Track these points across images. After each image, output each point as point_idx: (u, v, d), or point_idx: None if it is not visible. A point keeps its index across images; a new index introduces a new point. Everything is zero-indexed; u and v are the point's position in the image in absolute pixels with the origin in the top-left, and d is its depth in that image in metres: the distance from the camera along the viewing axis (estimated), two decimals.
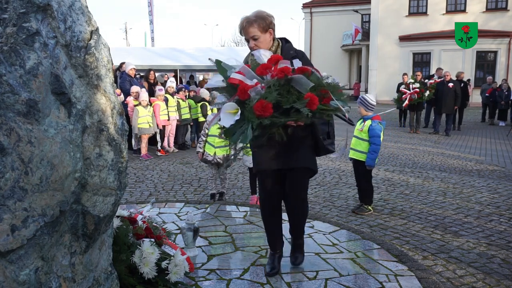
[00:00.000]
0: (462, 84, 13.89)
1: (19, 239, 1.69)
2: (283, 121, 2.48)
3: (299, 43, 45.84)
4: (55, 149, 1.86)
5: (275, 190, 3.25)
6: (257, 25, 2.95)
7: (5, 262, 1.67)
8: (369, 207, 5.21)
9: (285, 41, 3.19)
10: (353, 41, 32.30)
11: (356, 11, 32.58)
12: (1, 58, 1.68)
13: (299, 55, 3.08)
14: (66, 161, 1.92)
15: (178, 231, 4.06)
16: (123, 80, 9.68)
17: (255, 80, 2.55)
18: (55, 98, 1.90)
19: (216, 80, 2.76)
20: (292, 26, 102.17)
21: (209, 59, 3.16)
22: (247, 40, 3.07)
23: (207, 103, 10.32)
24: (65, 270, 1.99)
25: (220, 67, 2.82)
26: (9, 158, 1.66)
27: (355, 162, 5.18)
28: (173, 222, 4.52)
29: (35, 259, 1.79)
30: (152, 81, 11.02)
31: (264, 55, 2.77)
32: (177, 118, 9.82)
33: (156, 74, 11.56)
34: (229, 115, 2.39)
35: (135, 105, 8.96)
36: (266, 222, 3.41)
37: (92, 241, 2.15)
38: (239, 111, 2.46)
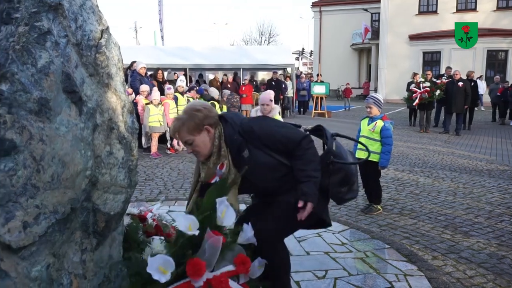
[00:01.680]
0: (472, 83, 13.75)
1: (31, 235, 1.71)
2: None
3: (308, 42, 45.69)
4: (66, 147, 1.87)
5: None
6: (186, 129, 2.45)
7: (17, 258, 1.69)
8: (378, 207, 5.19)
9: (225, 123, 2.53)
10: (362, 40, 32.18)
11: (366, 9, 32.42)
12: (13, 57, 1.70)
13: (247, 135, 2.47)
14: (77, 159, 1.93)
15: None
16: (134, 78, 9.73)
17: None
18: (66, 97, 1.92)
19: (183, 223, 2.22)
20: (301, 25, 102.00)
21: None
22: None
23: (216, 103, 10.33)
24: (76, 267, 2.01)
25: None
26: (21, 156, 1.68)
27: (365, 162, 5.13)
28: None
29: (46, 255, 1.81)
30: (160, 80, 11.06)
31: (247, 238, 2.38)
32: None
33: (164, 72, 11.60)
34: (159, 271, 2.16)
35: (146, 104, 9.00)
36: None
37: (102, 238, 2.17)
38: (167, 278, 2.10)
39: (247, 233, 2.39)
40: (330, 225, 2.78)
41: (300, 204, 2.41)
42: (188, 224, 2.20)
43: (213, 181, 2.53)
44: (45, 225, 1.77)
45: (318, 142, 2.64)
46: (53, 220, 1.81)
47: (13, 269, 1.66)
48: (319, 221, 2.69)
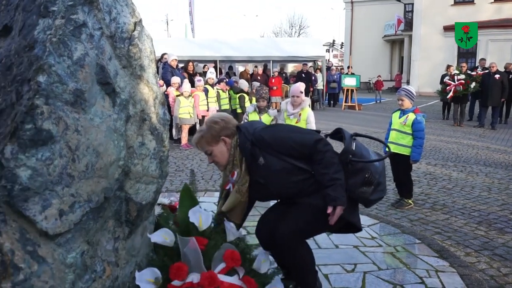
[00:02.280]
0: (510, 76, 13.30)
1: (66, 223, 1.77)
2: None
3: (339, 34, 45.11)
4: (100, 137, 1.92)
5: None
6: (204, 141, 2.59)
7: (53, 245, 1.74)
8: (409, 201, 5.10)
9: (239, 133, 2.59)
10: (395, 31, 31.52)
11: (399, 0, 31.72)
12: (51, 49, 1.74)
13: (259, 144, 2.51)
14: (111, 149, 1.98)
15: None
16: (165, 70, 9.85)
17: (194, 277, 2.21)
18: (100, 88, 1.96)
19: (161, 236, 2.33)
20: (332, 17, 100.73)
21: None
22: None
23: (245, 95, 10.34)
24: (109, 254, 2.06)
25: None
26: (57, 146, 1.73)
27: (396, 156, 5.06)
28: (212, 211, 4.58)
29: (81, 243, 1.86)
30: (191, 72, 11.15)
31: (232, 233, 2.48)
32: (217, 108, 9.90)
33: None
34: (147, 282, 2.22)
35: (177, 96, 9.11)
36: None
37: (134, 227, 2.22)
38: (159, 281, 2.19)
39: (231, 230, 2.47)
40: (360, 230, 2.72)
41: (329, 209, 2.39)
42: (199, 219, 2.42)
43: (227, 187, 2.64)
44: (80, 213, 1.82)
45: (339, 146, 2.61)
46: (88, 209, 1.86)
47: (50, 255, 1.72)
48: (348, 224, 2.64)
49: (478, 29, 25.82)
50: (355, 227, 2.69)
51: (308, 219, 2.51)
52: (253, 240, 3.83)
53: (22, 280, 1.61)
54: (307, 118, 5.15)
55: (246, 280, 2.33)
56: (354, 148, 2.56)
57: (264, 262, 2.48)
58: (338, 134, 2.77)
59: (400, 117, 4.99)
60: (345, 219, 2.54)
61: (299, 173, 2.49)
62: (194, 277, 2.20)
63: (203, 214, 2.45)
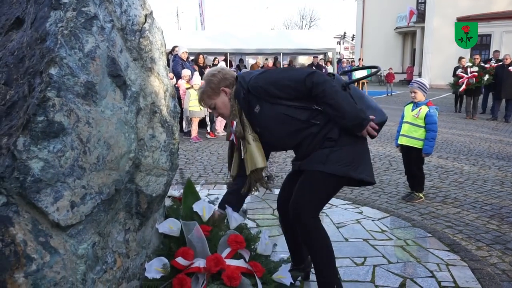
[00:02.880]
0: None
1: (78, 214, 1.78)
2: None
3: (350, 26, 44.77)
4: (111, 129, 1.93)
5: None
6: (206, 96, 2.61)
7: (65, 236, 1.76)
8: (420, 195, 5.07)
9: (237, 83, 2.59)
10: (407, 23, 31.19)
11: None
12: (62, 42, 1.75)
13: (255, 91, 2.48)
14: (121, 141, 1.99)
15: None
16: (176, 63, 9.85)
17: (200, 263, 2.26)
18: (111, 81, 1.97)
19: (167, 226, 2.41)
20: (343, 8, 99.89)
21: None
22: None
23: None
24: (120, 246, 2.08)
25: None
26: (69, 138, 1.74)
27: (408, 149, 5.02)
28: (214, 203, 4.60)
29: (92, 234, 1.88)
30: (201, 65, 11.15)
31: (234, 219, 2.58)
32: None
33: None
34: (156, 271, 2.21)
35: (187, 88, 9.12)
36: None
37: (145, 219, 2.23)
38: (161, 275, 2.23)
39: (233, 216, 2.57)
40: (373, 183, 2.59)
41: (363, 132, 2.43)
42: (203, 210, 2.53)
43: (230, 138, 2.66)
44: (91, 205, 1.84)
45: None
46: (99, 201, 1.87)
47: (61, 246, 1.74)
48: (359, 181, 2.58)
49: (492, 21, 25.53)
50: (367, 182, 2.59)
51: (319, 188, 2.49)
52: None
53: (35, 271, 1.64)
54: None
55: (252, 264, 2.37)
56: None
57: (268, 244, 2.52)
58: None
59: (413, 110, 4.95)
60: (354, 178, 2.50)
61: (293, 122, 2.45)
62: (200, 262, 2.24)
63: (206, 206, 2.53)
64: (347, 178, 2.48)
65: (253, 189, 2.72)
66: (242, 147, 2.57)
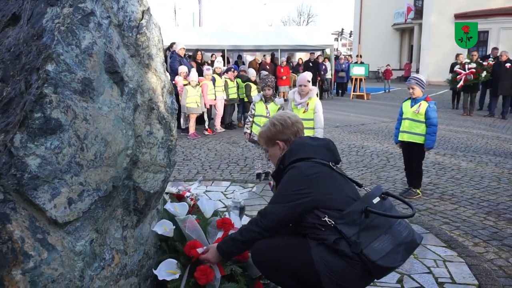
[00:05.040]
0: None
1: (75, 211, 1.78)
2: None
3: (348, 23, 44.76)
4: (108, 126, 1.92)
5: None
6: (263, 139, 2.64)
7: (63, 233, 1.76)
8: (418, 191, 5.08)
9: (288, 149, 2.47)
10: (405, 20, 31.14)
11: None
12: (59, 38, 1.74)
13: (285, 171, 2.36)
14: (119, 138, 1.98)
15: (225, 209, 4.13)
16: (173, 60, 9.82)
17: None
18: (108, 77, 1.96)
19: (162, 227, 2.43)
20: (341, 4, 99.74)
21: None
22: None
23: (251, 84, 10.31)
24: (118, 242, 2.07)
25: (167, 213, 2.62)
26: (66, 135, 1.74)
27: (409, 145, 5.03)
28: (219, 200, 4.60)
29: (90, 231, 1.88)
30: (199, 61, 11.12)
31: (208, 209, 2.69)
32: (224, 98, 9.88)
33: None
34: (167, 274, 2.25)
35: (184, 85, 9.09)
36: None
37: (143, 216, 2.23)
38: (178, 274, 2.26)
39: (206, 206, 2.72)
40: None
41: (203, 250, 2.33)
42: (210, 210, 2.67)
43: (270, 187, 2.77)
44: (89, 201, 1.84)
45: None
46: (96, 197, 1.87)
47: (59, 243, 1.74)
48: None
49: (489, 17, 25.53)
50: None
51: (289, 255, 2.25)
52: None
53: (32, 267, 1.63)
54: (315, 107, 5.13)
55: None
56: (375, 202, 2.20)
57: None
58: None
59: (412, 106, 4.94)
60: None
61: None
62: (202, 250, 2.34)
63: (176, 204, 2.59)
64: None
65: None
66: None
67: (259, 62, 17.19)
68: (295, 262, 2.20)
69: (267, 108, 5.58)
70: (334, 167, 2.34)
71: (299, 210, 2.19)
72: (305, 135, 2.60)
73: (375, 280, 2.95)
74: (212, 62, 12.97)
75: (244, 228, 2.31)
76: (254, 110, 5.65)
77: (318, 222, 2.16)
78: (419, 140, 4.90)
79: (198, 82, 9.22)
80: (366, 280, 2.20)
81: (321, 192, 2.20)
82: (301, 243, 2.22)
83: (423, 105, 4.84)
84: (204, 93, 9.26)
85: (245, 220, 3.97)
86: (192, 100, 8.94)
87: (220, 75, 9.96)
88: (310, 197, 2.18)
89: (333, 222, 2.13)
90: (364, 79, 18.50)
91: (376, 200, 2.21)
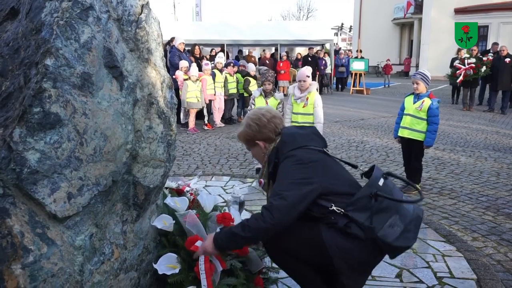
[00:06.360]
0: None
1: (75, 206, 1.78)
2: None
3: (348, 18, 44.61)
4: (108, 121, 1.92)
5: None
6: (242, 139, 2.55)
7: (62, 227, 1.76)
8: (417, 186, 5.09)
9: (279, 141, 2.40)
10: (404, 15, 31.05)
11: None
12: (58, 32, 1.73)
13: (281, 162, 2.31)
14: (118, 133, 1.98)
15: (224, 204, 4.14)
16: (173, 54, 9.80)
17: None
18: (107, 72, 1.95)
19: (162, 222, 2.42)
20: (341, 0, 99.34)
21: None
22: None
23: (250, 78, 10.30)
24: (117, 237, 2.08)
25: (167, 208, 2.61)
26: (65, 129, 1.73)
27: (408, 141, 5.02)
28: (219, 195, 4.60)
29: (89, 225, 1.88)
30: (197, 56, 11.09)
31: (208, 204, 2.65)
32: (222, 93, 9.86)
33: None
34: (167, 268, 2.25)
35: (184, 79, 9.08)
36: None
37: (142, 210, 2.23)
38: (178, 269, 2.26)
39: (206, 200, 2.68)
40: None
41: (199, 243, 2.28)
42: (210, 205, 2.66)
43: (261, 185, 2.68)
44: (88, 196, 1.84)
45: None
46: (96, 192, 1.87)
47: (59, 237, 1.74)
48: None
49: (489, 12, 25.47)
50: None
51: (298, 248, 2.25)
52: None
53: (32, 262, 1.64)
54: (314, 102, 5.12)
55: None
56: (381, 185, 2.21)
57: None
58: (371, 171, 2.38)
59: (414, 102, 4.91)
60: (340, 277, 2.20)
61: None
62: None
63: (176, 199, 2.61)
64: None
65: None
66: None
67: (254, 56, 17.14)
68: (308, 249, 2.21)
69: (267, 103, 5.58)
70: (328, 153, 2.36)
71: (309, 198, 2.13)
72: None
73: (375, 275, 2.97)
74: (211, 57, 12.94)
75: (246, 224, 2.14)
76: (254, 105, 5.65)
77: (327, 211, 2.16)
78: (419, 137, 4.89)
79: (198, 77, 9.20)
80: (377, 258, 2.25)
81: (324, 178, 2.19)
82: (312, 229, 2.21)
83: (426, 102, 4.81)
84: (204, 88, 9.24)
85: (245, 215, 3.97)
86: (192, 95, 8.93)
87: (221, 70, 9.94)
88: (316, 184, 2.15)
89: (342, 210, 2.13)
90: (364, 74, 18.48)
91: (381, 182, 2.23)
